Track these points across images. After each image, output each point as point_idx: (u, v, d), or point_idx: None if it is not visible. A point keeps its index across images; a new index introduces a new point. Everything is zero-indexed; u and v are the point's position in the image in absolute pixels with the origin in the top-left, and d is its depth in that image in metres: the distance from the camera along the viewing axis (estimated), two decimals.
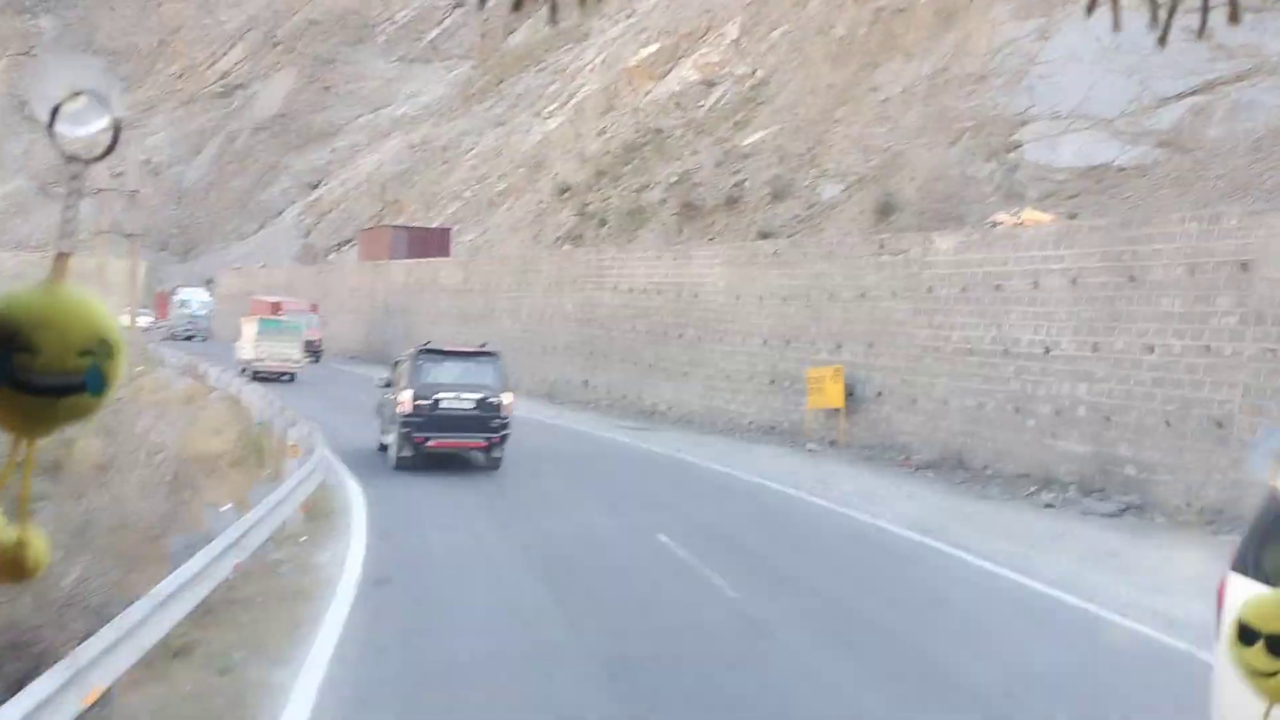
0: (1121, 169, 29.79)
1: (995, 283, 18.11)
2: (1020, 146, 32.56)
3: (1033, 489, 16.21)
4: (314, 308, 43.57)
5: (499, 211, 51.16)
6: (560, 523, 12.45)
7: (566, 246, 40.45)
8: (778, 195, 38.38)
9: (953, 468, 18.00)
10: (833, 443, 20.45)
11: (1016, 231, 18.66)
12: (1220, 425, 14.28)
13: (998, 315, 17.96)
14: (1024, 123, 33.29)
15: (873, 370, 20.22)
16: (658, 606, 8.73)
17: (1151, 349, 15.38)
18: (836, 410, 20.36)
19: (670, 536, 11.40)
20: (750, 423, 23.01)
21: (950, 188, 33.22)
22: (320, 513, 11.68)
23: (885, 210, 32.62)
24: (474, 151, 58.15)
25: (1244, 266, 14.31)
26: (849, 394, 20.26)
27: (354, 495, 13.42)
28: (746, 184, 40.28)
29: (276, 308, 41.19)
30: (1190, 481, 14.55)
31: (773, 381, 22.72)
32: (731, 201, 39.96)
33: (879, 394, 20.02)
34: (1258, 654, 1.07)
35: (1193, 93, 30.12)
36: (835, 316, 21.30)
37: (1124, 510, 14.71)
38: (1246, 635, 1.09)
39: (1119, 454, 15.69)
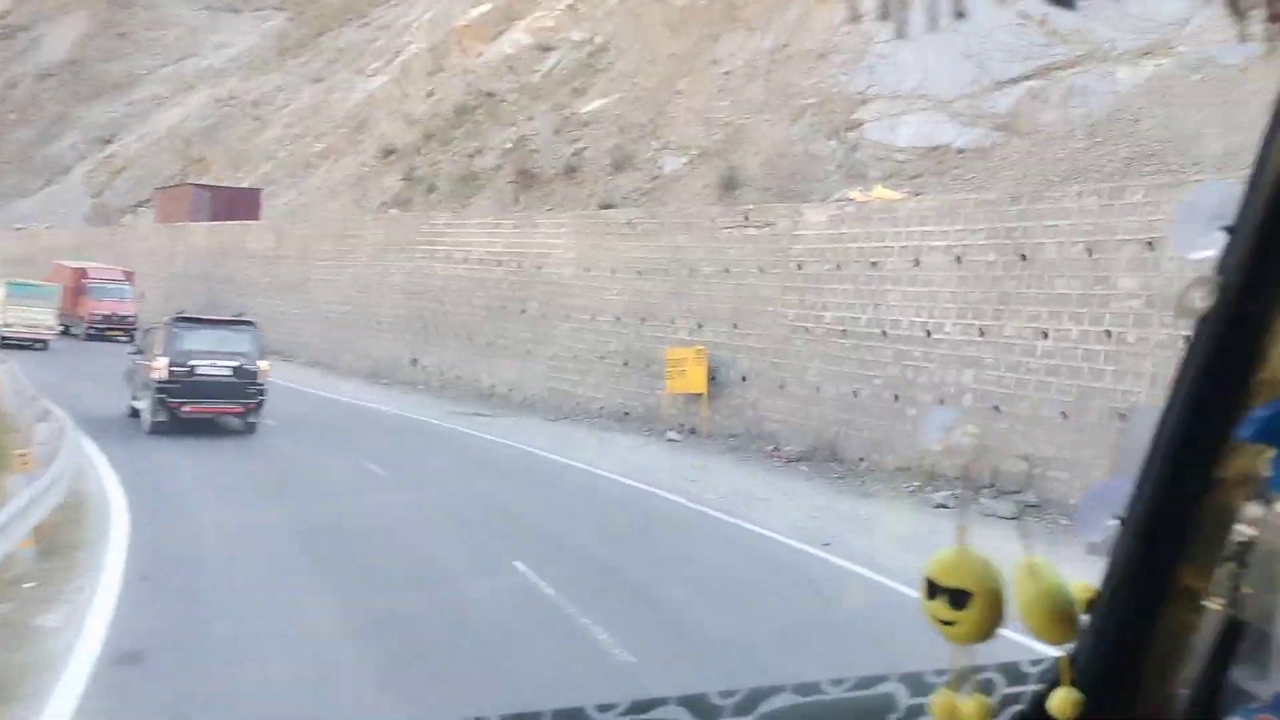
0: (961, 150, 29.06)
1: (871, 259, 16.40)
2: (861, 125, 31.49)
3: (915, 484, 14.61)
4: (129, 276, 37.79)
5: (317, 173, 47.02)
6: (390, 551, 9.77)
7: (394, 211, 37.07)
8: (618, 166, 36.28)
9: (826, 459, 16.25)
10: (693, 431, 18.40)
11: (894, 205, 17.03)
12: (1123, 417, 12.92)
13: (874, 294, 16.26)
14: (864, 101, 32.20)
15: (738, 352, 18.26)
16: (536, 688, 6.26)
17: (1045, 334, 13.94)
18: (698, 395, 18.32)
19: (530, 564, 8.95)
20: (601, 408, 20.71)
21: (794, 164, 31.86)
22: (62, 542, 8.63)
23: (729, 185, 30.98)
24: (289, 109, 53.44)
25: (1150, 245, 12.98)
26: (711, 378, 18.25)
27: (114, 510, 10.30)
28: (586, 153, 38.02)
29: (81, 275, 35.78)
30: (1090, 478, 13.14)
31: (627, 363, 20.48)
32: (570, 171, 37.61)
33: (744, 378, 18.08)
34: (939, 606, 1.18)
35: (1028, 77, 29.63)
36: (696, 293, 19.22)
37: (1022, 511, 13.22)
38: (931, 590, 1.19)
39: (1010, 447, 14.22)
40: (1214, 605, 1.19)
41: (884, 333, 15.96)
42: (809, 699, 1.32)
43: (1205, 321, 1.16)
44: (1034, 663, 1.32)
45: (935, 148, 29.57)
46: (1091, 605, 1.24)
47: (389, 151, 43.72)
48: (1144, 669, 1.25)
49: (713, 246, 19.05)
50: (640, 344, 20.18)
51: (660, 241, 20.19)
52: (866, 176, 28.72)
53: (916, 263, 15.70)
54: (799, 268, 17.42)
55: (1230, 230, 1.13)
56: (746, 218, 18.65)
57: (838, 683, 1.34)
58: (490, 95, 45.24)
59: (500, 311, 23.86)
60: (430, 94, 47.30)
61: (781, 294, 17.65)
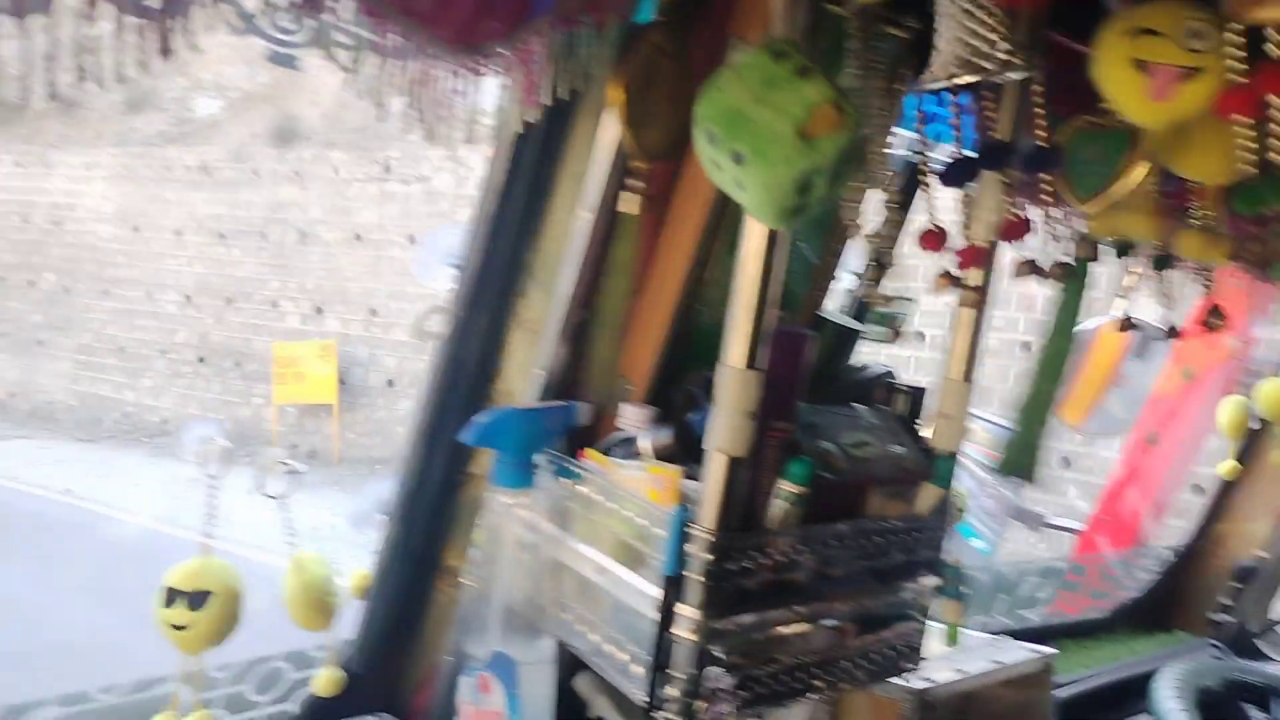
0: None
1: None
2: None
3: None
4: None
5: None
6: None
7: None
8: (134, 105, 28.65)
9: None
10: (313, 454, 13.23)
11: None
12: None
13: None
14: None
15: (379, 348, 13.36)
16: None
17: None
18: (325, 406, 13.17)
19: None
20: (164, 422, 14.50)
21: (361, 118, 27.05)
22: None
23: (285, 136, 25.24)
24: None
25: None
26: (341, 381, 13.24)
27: None
28: (89, 86, 29.71)
29: None
30: None
31: (204, 359, 14.51)
32: (69, 105, 29.08)
33: (390, 383, 13.27)
34: (176, 611, 1.21)
35: None
36: (312, 266, 13.94)
37: None
38: (169, 598, 1.22)
39: None
40: (469, 582, 1.31)
41: None
42: (76, 708, 1.30)
43: (443, 343, 1.31)
44: (320, 648, 1.35)
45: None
46: (367, 591, 1.36)
47: None
48: (418, 640, 1.40)
49: (337, 204, 13.94)
50: (225, 334, 14.40)
51: (255, 194, 14.57)
52: (452, 139, 24.86)
53: None
54: None
55: (459, 267, 1.30)
56: (388, 168, 13.81)
57: (109, 689, 1.32)
58: None
59: None
60: None
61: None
